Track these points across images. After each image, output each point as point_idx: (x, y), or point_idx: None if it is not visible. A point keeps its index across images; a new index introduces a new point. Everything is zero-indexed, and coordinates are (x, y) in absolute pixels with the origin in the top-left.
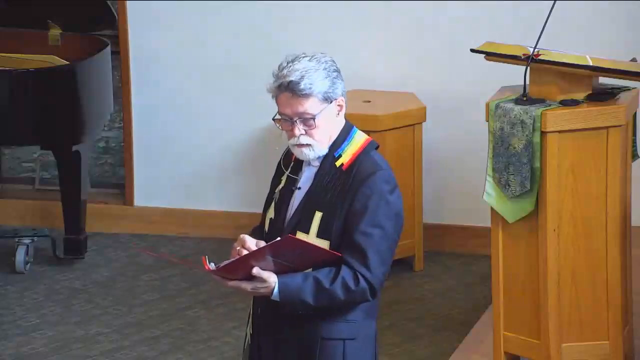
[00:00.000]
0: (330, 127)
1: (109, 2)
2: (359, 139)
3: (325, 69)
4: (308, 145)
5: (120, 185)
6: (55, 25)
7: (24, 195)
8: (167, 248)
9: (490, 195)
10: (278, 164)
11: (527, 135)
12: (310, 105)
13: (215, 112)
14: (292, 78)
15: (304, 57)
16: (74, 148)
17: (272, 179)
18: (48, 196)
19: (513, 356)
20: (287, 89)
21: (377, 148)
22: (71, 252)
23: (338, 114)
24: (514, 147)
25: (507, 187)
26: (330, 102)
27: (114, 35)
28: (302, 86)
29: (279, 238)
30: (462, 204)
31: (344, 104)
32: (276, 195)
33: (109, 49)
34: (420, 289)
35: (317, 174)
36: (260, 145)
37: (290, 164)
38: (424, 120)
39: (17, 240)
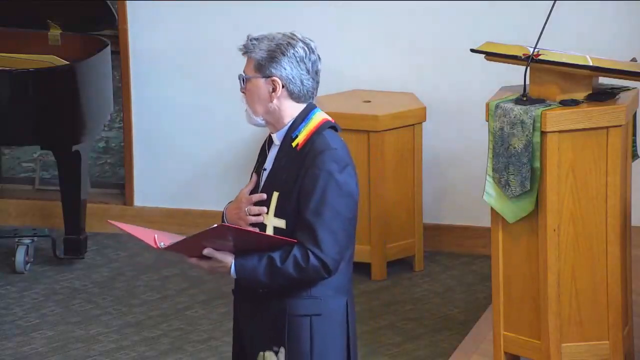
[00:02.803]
0: (263, 102)
1: (109, 2)
2: (316, 119)
3: (276, 44)
4: (246, 109)
5: (120, 185)
6: (55, 25)
7: (24, 195)
8: None
9: (490, 195)
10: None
11: (527, 135)
12: (247, 67)
13: (215, 112)
14: (250, 36)
15: (285, 32)
16: (74, 148)
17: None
18: (48, 196)
19: (513, 356)
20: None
21: (336, 129)
22: (71, 252)
23: (272, 93)
24: (514, 147)
25: (507, 187)
26: (264, 77)
27: (114, 35)
28: (247, 43)
29: (215, 225)
30: (462, 204)
31: (279, 87)
32: (252, 177)
33: (109, 49)
34: (420, 289)
35: (276, 155)
36: (260, 145)
37: (269, 143)
38: (424, 120)
39: (17, 240)
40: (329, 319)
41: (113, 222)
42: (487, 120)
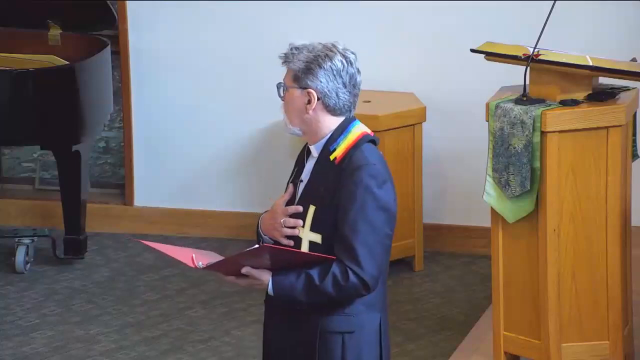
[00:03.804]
0: (299, 113)
1: (109, 2)
2: (355, 132)
3: (314, 56)
4: (283, 117)
5: (120, 185)
6: (55, 25)
7: (24, 195)
8: None
9: (490, 195)
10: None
11: (527, 135)
12: (286, 76)
13: (216, 112)
14: (292, 45)
15: (328, 42)
16: (74, 148)
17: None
18: (48, 196)
19: (513, 356)
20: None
21: (375, 142)
22: (71, 252)
23: (306, 106)
24: (514, 147)
25: (507, 187)
26: (300, 89)
27: (114, 35)
28: (287, 53)
29: (256, 245)
30: (462, 204)
31: (314, 99)
32: (288, 188)
33: (109, 49)
34: (420, 289)
35: (314, 168)
36: (260, 145)
37: (304, 155)
38: (424, 120)
39: (17, 240)
40: (362, 337)
41: (146, 242)
42: (487, 120)
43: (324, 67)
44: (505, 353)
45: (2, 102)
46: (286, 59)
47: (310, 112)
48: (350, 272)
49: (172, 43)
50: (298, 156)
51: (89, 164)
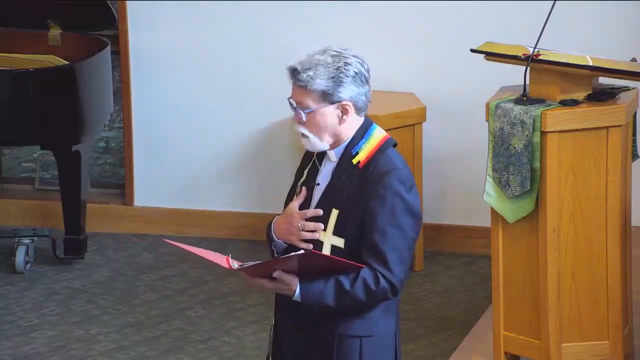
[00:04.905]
0: (331, 127)
1: (109, 2)
2: (377, 136)
3: (336, 68)
4: (305, 136)
5: (120, 185)
6: (55, 25)
7: (24, 195)
8: (167, 248)
9: (490, 195)
10: (303, 156)
11: (527, 135)
12: (307, 99)
13: (216, 112)
14: (296, 66)
15: (326, 50)
16: (74, 148)
17: (297, 170)
18: (48, 196)
19: (513, 356)
20: (291, 76)
21: (395, 145)
22: (71, 252)
23: (342, 117)
24: (514, 147)
25: (507, 187)
26: (332, 103)
27: (114, 35)
28: (301, 77)
29: (302, 251)
30: (462, 204)
31: (350, 109)
32: (298, 189)
33: (109, 49)
34: (420, 289)
35: (334, 171)
36: (260, 145)
37: (313, 156)
38: (424, 120)
39: (17, 240)
40: (379, 341)
41: (177, 243)
42: (487, 120)
43: (350, 76)
44: (505, 353)
45: (2, 102)
46: (305, 83)
47: (344, 123)
48: (380, 277)
49: (172, 43)
50: (304, 157)
51: (89, 164)
